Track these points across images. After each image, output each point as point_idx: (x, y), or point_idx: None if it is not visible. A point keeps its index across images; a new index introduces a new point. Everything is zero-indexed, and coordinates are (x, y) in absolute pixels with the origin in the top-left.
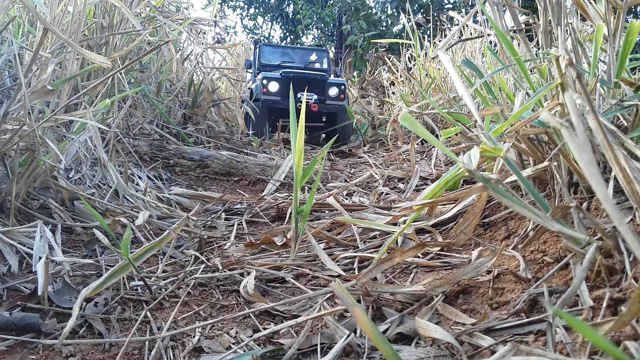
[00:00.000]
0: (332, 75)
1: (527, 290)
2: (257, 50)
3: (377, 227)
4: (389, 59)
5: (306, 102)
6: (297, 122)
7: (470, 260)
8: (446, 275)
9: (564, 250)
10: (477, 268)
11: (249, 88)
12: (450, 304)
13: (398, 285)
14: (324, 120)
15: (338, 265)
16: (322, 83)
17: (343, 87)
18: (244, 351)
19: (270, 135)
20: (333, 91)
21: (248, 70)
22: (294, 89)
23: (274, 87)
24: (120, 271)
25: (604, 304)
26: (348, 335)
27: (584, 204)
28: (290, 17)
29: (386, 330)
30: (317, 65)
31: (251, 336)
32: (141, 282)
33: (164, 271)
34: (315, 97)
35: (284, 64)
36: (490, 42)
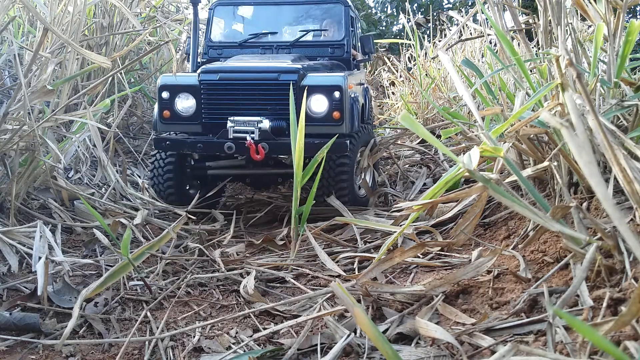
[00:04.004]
0: (357, 55)
1: (527, 290)
2: (209, 16)
3: (377, 227)
4: (389, 59)
5: (239, 141)
6: (297, 123)
7: (471, 260)
8: (446, 275)
9: (564, 250)
10: (477, 268)
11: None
12: (450, 304)
13: (398, 285)
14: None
15: (338, 265)
16: (286, 88)
17: (339, 93)
18: (244, 351)
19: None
20: (317, 104)
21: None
22: (232, 105)
23: (185, 105)
24: (120, 271)
25: (604, 304)
26: (348, 335)
27: (584, 204)
28: None
29: (386, 330)
30: (322, 38)
31: (251, 336)
32: (141, 282)
33: (164, 271)
34: (266, 124)
35: (252, 44)
36: (490, 42)
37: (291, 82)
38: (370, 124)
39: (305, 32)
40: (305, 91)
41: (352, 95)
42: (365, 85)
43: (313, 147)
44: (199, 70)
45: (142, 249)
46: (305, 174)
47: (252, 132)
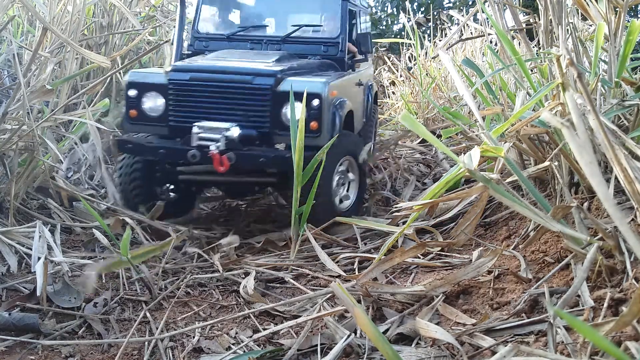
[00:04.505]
0: (355, 53)
1: (527, 290)
2: (198, 4)
3: (378, 227)
4: (389, 58)
5: (204, 149)
6: (297, 123)
7: (471, 260)
8: (446, 276)
9: (565, 251)
10: (477, 268)
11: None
12: (450, 305)
13: (398, 286)
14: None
15: (338, 265)
16: (259, 93)
17: (317, 102)
18: (244, 351)
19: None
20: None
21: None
22: (202, 109)
23: (153, 105)
24: (115, 265)
25: (605, 304)
26: (348, 336)
27: (585, 204)
28: None
29: (386, 330)
30: (315, 34)
31: (251, 336)
32: (141, 283)
33: (163, 271)
34: (234, 132)
35: (241, 37)
36: (491, 42)
37: (266, 87)
38: (373, 124)
39: (297, 28)
40: (282, 98)
41: (335, 103)
42: (368, 83)
43: (284, 160)
44: (169, 68)
45: (142, 251)
46: (305, 173)
47: (218, 141)
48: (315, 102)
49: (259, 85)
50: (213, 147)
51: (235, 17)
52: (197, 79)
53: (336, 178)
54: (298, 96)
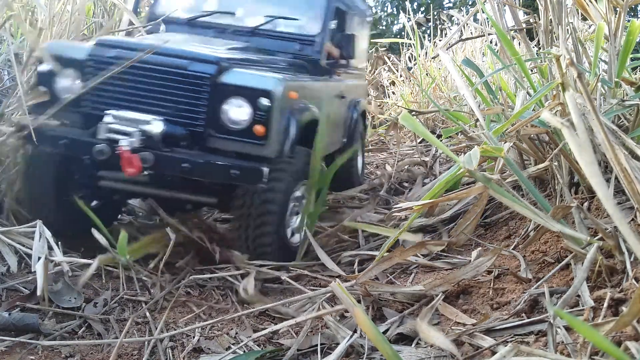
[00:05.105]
0: (335, 56)
1: (527, 290)
2: None
3: (380, 231)
4: (389, 58)
5: (114, 146)
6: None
7: (471, 260)
8: (446, 275)
9: (565, 251)
10: (477, 267)
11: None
12: (451, 305)
13: (398, 285)
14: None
15: (339, 265)
16: (194, 84)
17: (267, 101)
18: (244, 351)
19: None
20: (236, 111)
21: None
22: (125, 95)
23: (68, 84)
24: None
25: (605, 304)
26: (351, 335)
27: (585, 204)
28: None
29: (386, 330)
30: (290, 29)
31: (251, 336)
32: (140, 283)
33: (162, 272)
34: (156, 127)
35: (204, 24)
36: (491, 42)
37: (204, 75)
38: (359, 151)
39: (270, 19)
40: (223, 91)
41: (294, 107)
42: (355, 100)
43: (216, 170)
44: (92, 41)
45: (138, 245)
46: (324, 178)
47: (131, 135)
48: (264, 101)
49: (195, 73)
50: (124, 143)
51: (202, 1)
52: (124, 57)
53: (291, 205)
54: (240, 92)
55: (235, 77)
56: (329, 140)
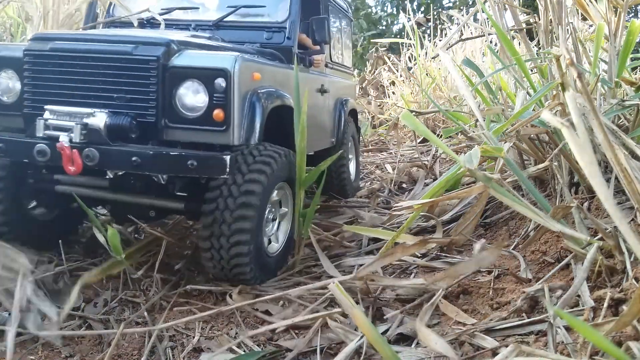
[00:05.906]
0: (308, 44)
1: (527, 290)
2: None
3: (380, 235)
4: (389, 58)
5: (52, 146)
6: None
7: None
8: (447, 270)
9: (565, 251)
10: (478, 262)
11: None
12: (451, 304)
13: (398, 279)
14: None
15: (339, 270)
16: (141, 69)
17: (223, 82)
18: (244, 351)
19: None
20: (191, 97)
21: None
22: (65, 89)
23: (5, 86)
24: (110, 268)
25: (605, 304)
26: (360, 338)
27: (585, 204)
28: None
29: (386, 330)
30: (257, 18)
31: (251, 337)
32: (140, 283)
33: (162, 272)
34: (99, 119)
35: (166, 22)
36: (491, 42)
37: (151, 58)
38: (353, 153)
39: (234, 9)
40: (175, 75)
41: (258, 90)
42: (342, 98)
43: (168, 162)
44: (28, 38)
45: (135, 248)
46: (309, 177)
47: (70, 130)
48: (220, 82)
49: (141, 57)
50: (63, 138)
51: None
52: (60, 49)
53: (267, 210)
54: (193, 74)
55: (187, 58)
56: (312, 137)
